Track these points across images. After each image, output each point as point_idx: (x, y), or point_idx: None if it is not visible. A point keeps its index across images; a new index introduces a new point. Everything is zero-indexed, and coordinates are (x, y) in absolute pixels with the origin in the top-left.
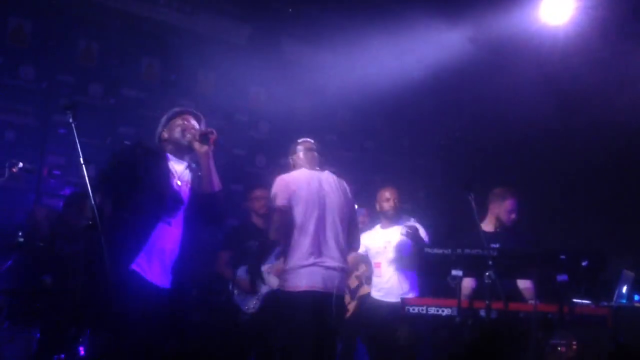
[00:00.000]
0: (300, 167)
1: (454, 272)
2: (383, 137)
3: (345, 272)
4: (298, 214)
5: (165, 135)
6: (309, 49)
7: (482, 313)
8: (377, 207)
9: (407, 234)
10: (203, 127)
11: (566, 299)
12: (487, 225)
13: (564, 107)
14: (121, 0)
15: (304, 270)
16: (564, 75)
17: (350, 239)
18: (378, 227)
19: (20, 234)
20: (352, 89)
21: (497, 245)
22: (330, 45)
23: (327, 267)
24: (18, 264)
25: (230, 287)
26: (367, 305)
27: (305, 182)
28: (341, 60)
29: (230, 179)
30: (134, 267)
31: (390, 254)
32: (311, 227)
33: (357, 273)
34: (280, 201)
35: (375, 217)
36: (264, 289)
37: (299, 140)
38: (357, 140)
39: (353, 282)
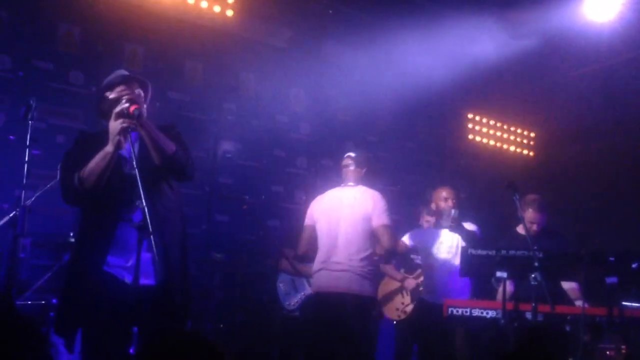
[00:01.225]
0: (341, 182)
1: (499, 274)
2: (424, 137)
3: (355, 272)
4: (318, 228)
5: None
6: (348, 50)
7: (528, 315)
8: (434, 206)
9: (452, 228)
10: (148, 93)
11: (616, 302)
12: (522, 229)
13: (610, 105)
14: (165, 6)
15: (315, 275)
16: (609, 73)
17: (370, 244)
18: (432, 227)
19: (71, 234)
20: (392, 90)
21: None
22: (369, 46)
23: (332, 270)
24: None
25: (278, 282)
26: (418, 308)
27: (327, 200)
28: (381, 61)
29: (271, 180)
30: (106, 268)
31: (444, 252)
32: (324, 239)
33: (418, 280)
34: (305, 220)
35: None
36: (307, 290)
37: (344, 156)
38: (398, 141)
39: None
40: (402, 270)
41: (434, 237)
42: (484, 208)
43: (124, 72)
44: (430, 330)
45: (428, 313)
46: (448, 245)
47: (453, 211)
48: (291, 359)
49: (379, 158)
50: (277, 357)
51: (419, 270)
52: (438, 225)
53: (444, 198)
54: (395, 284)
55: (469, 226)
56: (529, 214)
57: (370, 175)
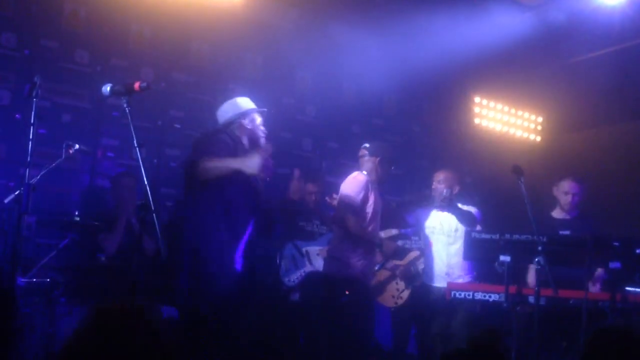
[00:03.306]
0: None
1: (502, 258)
2: (430, 121)
3: (328, 254)
4: None
5: (249, 126)
6: (355, 32)
7: (531, 299)
8: (432, 190)
9: (442, 207)
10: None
11: (619, 287)
12: (557, 212)
13: (619, 90)
14: None
15: None
16: (620, 57)
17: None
18: (432, 208)
19: (76, 213)
20: (399, 73)
21: (567, 232)
22: (377, 29)
23: None
24: (74, 242)
25: (278, 260)
26: (419, 292)
27: None
28: (388, 44)
29: (276, 162)
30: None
31: (443, 235)
32: None
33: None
34: None
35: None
36: (308, 267)
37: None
38: (404, 124)
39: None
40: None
41: (432, 218)
42: (489, 192)
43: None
44: (431, 314)
45: (428, 297)
46: (447, 228)
47: (445, 191)
48: (294, 339)
49: (384, 142)
50: (281, 338)
51: (410, 255)
52: (437, 207)
53: (438, 180)
54: (387, 272)
55: (469, 209)
56: (566, 184)
57: (386, 163)
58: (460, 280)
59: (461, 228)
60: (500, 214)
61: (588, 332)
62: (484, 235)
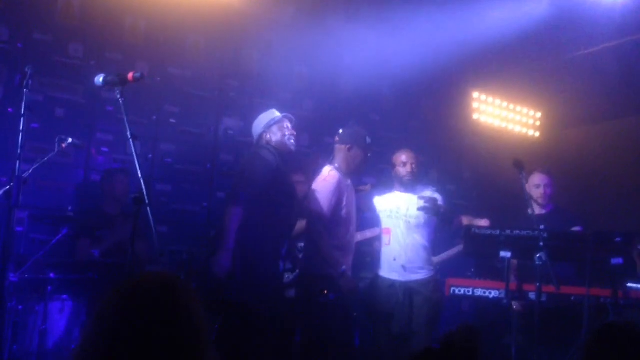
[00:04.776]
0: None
1: (503, 254)
2: (428, 116)
3: (303, 254)
4: None
5: (273, 139)
6: (352, 26)
7: (532, 296)
8: (393, 172)
9: (426, 209)
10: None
11: (620, 283)
12: (534, 209)
13: (618, 86)
14: None
15: None
16: (621, 52)
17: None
18: (394, 192)
19: (69, 208)
20: (397, 68)
21: (542, 227)
22: (374, 23)
23: None
24: (68, 238)
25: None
26: (371, 286)
27: None
28: (385, 38)
29: None
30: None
31: (402, 220)
32: None
33: None
34: None
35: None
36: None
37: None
38: (402, 120)
39: None
40: None
41: (390, 200)
42: (487, 188)
43: (274, 118)
44: (389, 311)
45: (383, 290)
46: (407, 212)
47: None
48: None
49: (382, 137)
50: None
51: None
52: (398, 187)
53: (402, 162)
54: None
55: (433, 195)
56: (535, 177)
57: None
58: (421, 273)
59: (422, 214)
60: (499, 209)
61: (589, 328)
62: (484, 231)
